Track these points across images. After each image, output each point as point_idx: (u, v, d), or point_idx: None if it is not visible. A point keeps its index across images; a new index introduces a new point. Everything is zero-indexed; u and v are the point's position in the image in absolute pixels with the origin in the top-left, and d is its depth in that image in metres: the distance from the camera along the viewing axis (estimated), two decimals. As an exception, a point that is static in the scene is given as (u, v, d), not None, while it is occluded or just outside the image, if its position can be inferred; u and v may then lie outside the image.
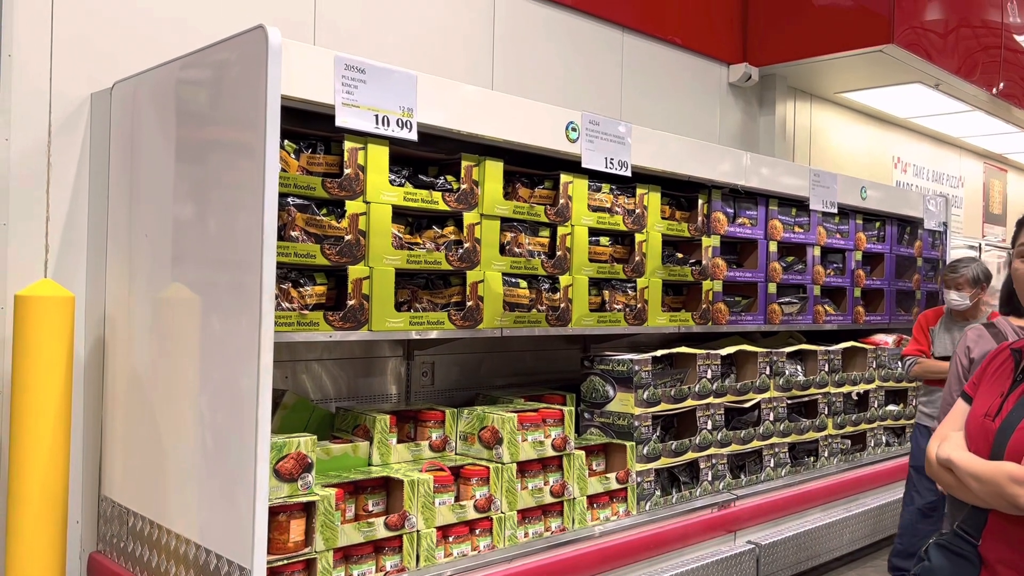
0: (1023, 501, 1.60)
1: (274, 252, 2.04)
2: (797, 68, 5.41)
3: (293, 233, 2.32)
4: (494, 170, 2.80)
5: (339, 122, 2.24)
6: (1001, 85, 6.25)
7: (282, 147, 2.35)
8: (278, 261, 2.16)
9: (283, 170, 2.32)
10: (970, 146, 8.00)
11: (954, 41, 5.58)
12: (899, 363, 3.93)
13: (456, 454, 2.80)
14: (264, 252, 2.03)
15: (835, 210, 4.15)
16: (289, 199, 2.32)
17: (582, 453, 2.93)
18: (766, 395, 3.68)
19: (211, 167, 2.25)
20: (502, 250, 2.87)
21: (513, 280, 2.89)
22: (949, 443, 1.79)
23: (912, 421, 4.28)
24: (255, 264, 2.04)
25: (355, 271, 2.39)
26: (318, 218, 2.37)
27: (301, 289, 2.35)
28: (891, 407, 4.47)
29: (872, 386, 4.34)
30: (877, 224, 4.68)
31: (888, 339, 4.54)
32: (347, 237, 2.39)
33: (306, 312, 2.31)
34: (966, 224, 7.97)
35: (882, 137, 6.88)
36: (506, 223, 2.90)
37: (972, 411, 1.87)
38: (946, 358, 3.94)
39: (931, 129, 7.27)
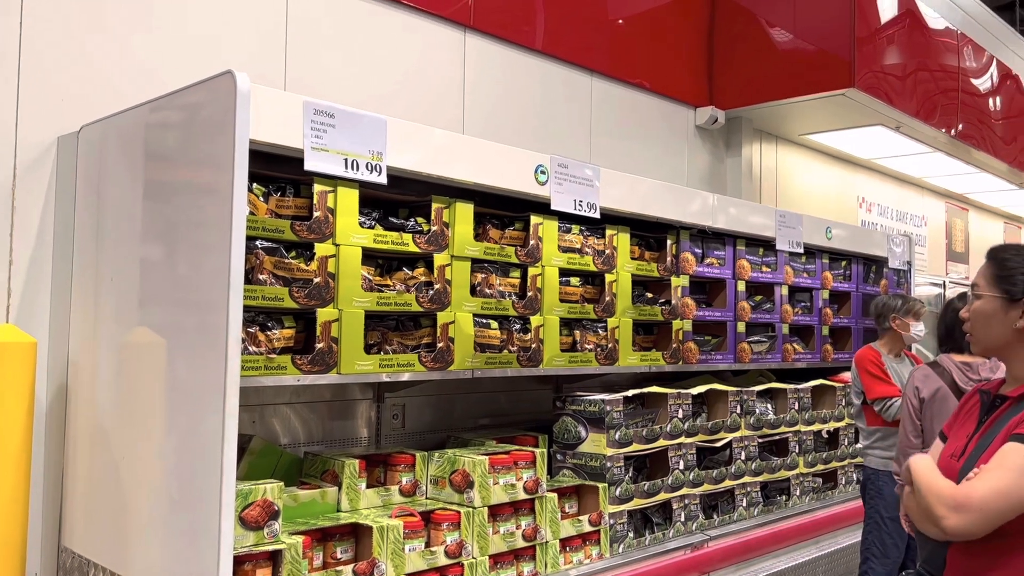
0: (946, 523, 1.64)
1: (240, 295, 2.03)
2: (762, 111, 5.53)
3: (261, 276, 2.30)
4: (464, 212, 2.81)
5: (308, 166, 2.25)
6: (960, 127, 6.44)
7: (251, 190, 2.35)
8: (245, 304, 2.14)
9: (251, 213, 2.31)
10: (932, 186, 8.19)
11: (913, 85, 5.75)
12: (877, 405, 3.96)
13: (427, 498, 2.76)
14: (231, 295, 2.01)
15: (801, 250, 4.21)
16: (257, 242, 2.31)
17: (554, 496, 2.90)
18: (737, 434, 3.69)
19: (179, 210, 2.24)
20: (473, 291, 2.87)
21: (484, 321, 2.89)
22: (922, 457, 1.82)
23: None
24: (221, 307, 2.03)
25: (324, 314, 2.38)
26: (286, 261, 2.36)
27: (269, 332, 2.33)
28: (860, 444, 4.50)
29: (842, 424, 4.37)
30: (843, 263, 4.76)
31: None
32: (316, 280, 2.38)
33: (273, 356, 2.29)
34: (930, 262, 8.13)
35: (847, 178, 7.03)
36: (477, 264, 2.91)
37: (943, 452, 1.91)
38: None
39: (894, 170, 7.44)
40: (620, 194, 3.30)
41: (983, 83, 6.94)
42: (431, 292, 2.69)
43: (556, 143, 4.47)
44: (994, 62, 7.10)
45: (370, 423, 3.26)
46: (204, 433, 2.05)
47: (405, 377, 2.63)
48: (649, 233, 3.66)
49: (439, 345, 2.70)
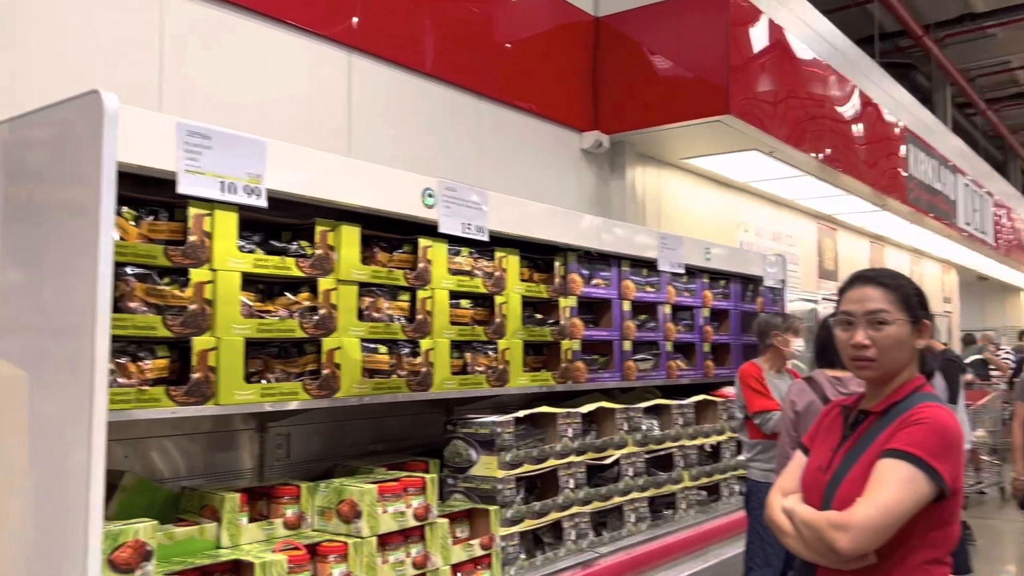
0: (839, 545, 1.72)
1: (108, 323, 1.92)
2: (644, 136, 5.72)
3: (132, 304, 2.20)
4: (350, 235, 2.77)
5: (181, 189, 2.16)
6: (827, 151, 6.84)
7: (121, 214, 2.24)
8: (115, 333, 2.03)
9: (121, 238, 2.21)
10: (804, 208, 8.66)
11: (784, 111, 6.08)
12: (758, 419, 4.14)
13: (313, 530, 2.69)
14: (97, 323, 1.91)
15: (683, 270, 4.36)
16: (128, 268, 2.20)
17: (445, 521, 2.88)
18: (625, 450, 3.77)
19: (41, 234, 2.11)
20: (360, 316, 2.83)
21: (372, 346, 2.85)
22: (792, 498, 1.91)
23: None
24: (87, 336, 1.92)
25: (200, 342, 2.29)
26: (159, 288, 2.26)
27: (140, 363, 2.21)
28: (741, 457, 4.67)
29: (723, 437, 4.53)
30: (722, 282, 4.96)
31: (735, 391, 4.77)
32: (192, 307, 2.28)
33: (146, 387, 2.18)
34: (803, 280, 8.57)
35: (726, 200, 7.34)
36: (364, 288, 2.87)
37: (808, 464, 2.00)
38: None
39: (769, 192, 7.83)
40: (509, 217, 3.33)
41: (847, 111, 7.41)
42: (316, 317, 2.63)
43: (445, 166, 4.48)
44: (856, 91, 7.60)
45: (253, 454, 3.14)
46: (68, 471, 1.93)
47: (289, 406, 2.55)
48: (538, 255, 3.70)
49: (325, 372, 2.64)
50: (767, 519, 1.96)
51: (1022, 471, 4.59)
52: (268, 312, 2.60)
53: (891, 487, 1.71)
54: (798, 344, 4.30)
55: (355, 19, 3.95)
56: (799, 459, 2.05)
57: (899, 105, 8.83)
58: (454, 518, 3.01)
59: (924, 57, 12.36)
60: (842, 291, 2.02)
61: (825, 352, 3.50)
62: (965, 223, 11.16)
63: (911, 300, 1.90)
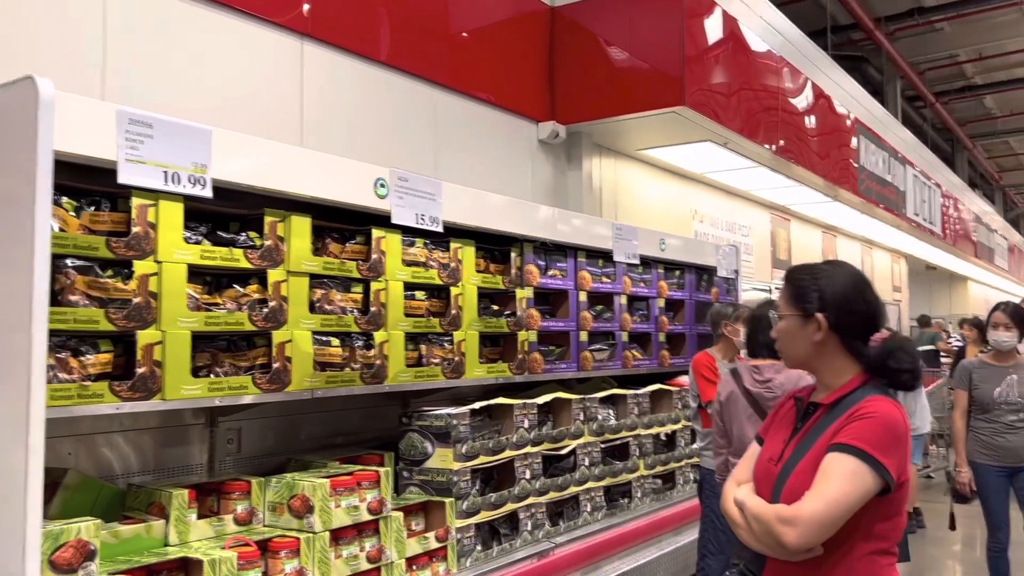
0: (786, 539, 1.74)
1: (45, 317, 1.86)
2: (601, 126, 5.73)
3: (72, 297, 2.13)
4: (301, 226, 2.72)
5: (122, 179, 2.10)
6: (781, 143, 6.92)
7: (60, 204, 2.17)
8: (55, 328, 1.97)
9: (61, 229, 2.14)
10: (758, 199, 8.76)
11: (737, 103, 6.13)
12: (709, 407, 4.18)
13: (264, 526, 2.64)
14: (34, 317, 1.84)
15: (637, 261, 4.38)
16: (68, 260, 2.14)
17: (400, 515, 2.86)
18: (581, 440, 3.78)
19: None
20: (312, 308, 2.78)
21: (324, 339, 2.81)
22: (743, 489, 1.92)
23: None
24: (23, 330, 1.85)
25: (145, 336, 2.23)
26: (102, 280, 2.19)
27: (82, 358, 2.15)
28: (696, 445, 4.72)
29: (678, 426, 4.57)
30: (677, 273, 4.99)
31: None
32: (136, 300, 2.22)
33: (88, 383, 2.12)
34: (757, 270, 8.69)
35: (681, 190, 7.40)
36: (316, 280, 2.82)
37: (760, 456, 2.02)
38: None
39: (723, 183, 7.91)
40: (463, 207, 3.30)
41: (800, 103, 7.51)
42: (265, 310, 2.59)
43: (401, 156, 4.43)
44: (809, 84, 7.70)
45: (203, 450, 3.08)
46: (5, 470, 1.87)
47: (239, 401, 2.51)
48: (494, 246, 3.68)
49: (275, 365, 2.59)
50: (722, 509, 1.97)
51: (963, 463, 4.63)
52: (216, 305, 2.54)
53: (837, 481, 1.72)
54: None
55: (307, 6, 3.88)
56: (754, 449, 2.07)
57: (850, 97, 8.98)
58: (409, 511, 2.99)
59: (875, 50, 12.58)
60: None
61: (750, 342, 3.56)
62: (914, 214, 11.41)
63: (805, 295, 1.93)
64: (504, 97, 5.27)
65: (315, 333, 2.75)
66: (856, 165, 8.95)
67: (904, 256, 14.56)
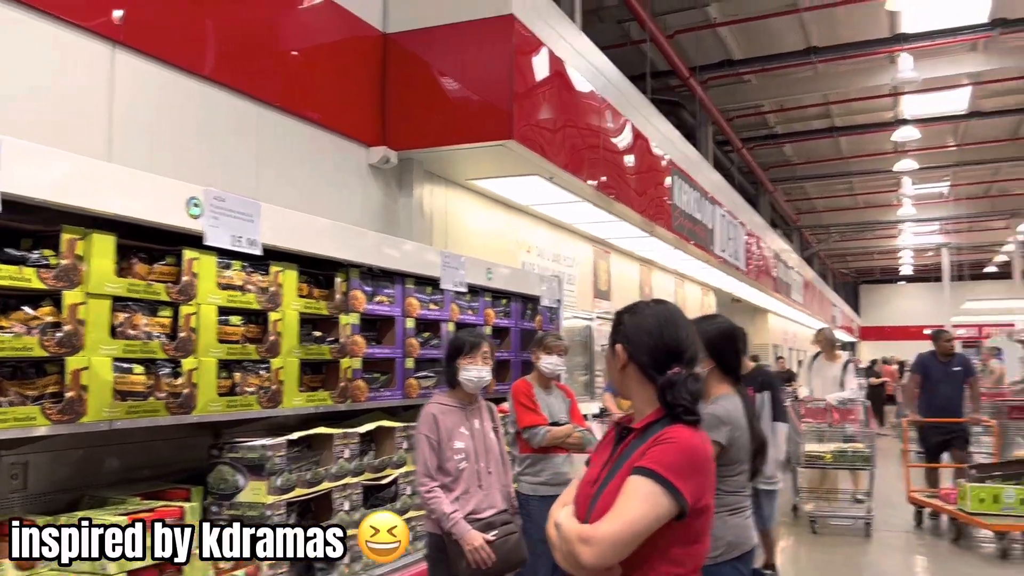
0: (583, 558, 1.81)
1: None
2: (432, 155, 5.77)
3: None
4: (104, 244, 2.54)
5: None
6: (603, 179, 7.25)
7: None
8: None
9: None
10: (582, 232, 9.12)
11: (563, 140, 6.37)
12: (526, 433, 4.28)
13: (51, 571, 2.42)
14: None
15: (465, 289, 4.43)
16: None
17: (207, 551, 2.70)
18: (403, 469, 3.74)
19: None
20: (113, 332, 2.60)
21: (126, 366, 2.63)
22: (564, 511, 1.98)
23: None
24: None
25: (-90, 363, 1.99)
26: None
27: None
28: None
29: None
30: (504, 301, 5.09)
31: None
32: (-100, 322, 1.99)
33: None
34: (580, 299, 9.02)
35: (510, 221, 7.57)
36: (119, 302, 2.64)
37: (582, 480, 2.09)
38: (556, 424, 4.41)
39: (550, 216, 8.17)
40: (287, 230, 3.21)
41: (620, 142, 7.92)
42: (59, 334, 2.39)
43: (222, 175, 4.25)
44: (629, 125, 8.14)
45: (-18, 487, 2.79)
46: None
47: (28, 433, 2.29)
48: (319, 271, 3.60)
49: (68, 394, 2.39)
50: (547, 532, 2.02)
51: None
52: (1, 328, 2.32)
53: (633, 502, 1.80)
54: (548, 361, 4.48)
55: (119, 11, 3.66)
56: (580, 472, 2.16)
57: (666, 140, 9.57)
58: (218, 548, 2.83)
59: (690, 96, 13.49)
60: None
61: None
62: (721, 250, 12.28)
63: (616, 328, 2.13)
64: (334, 119, 5.18)
65: (116, 360, 2.57)
66: (670, 203, 9.52)
67: (713, 289, 15.61)
